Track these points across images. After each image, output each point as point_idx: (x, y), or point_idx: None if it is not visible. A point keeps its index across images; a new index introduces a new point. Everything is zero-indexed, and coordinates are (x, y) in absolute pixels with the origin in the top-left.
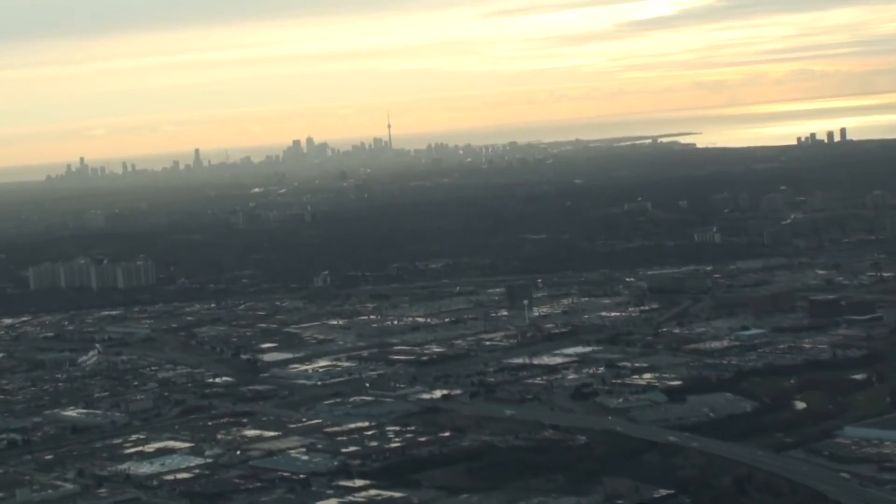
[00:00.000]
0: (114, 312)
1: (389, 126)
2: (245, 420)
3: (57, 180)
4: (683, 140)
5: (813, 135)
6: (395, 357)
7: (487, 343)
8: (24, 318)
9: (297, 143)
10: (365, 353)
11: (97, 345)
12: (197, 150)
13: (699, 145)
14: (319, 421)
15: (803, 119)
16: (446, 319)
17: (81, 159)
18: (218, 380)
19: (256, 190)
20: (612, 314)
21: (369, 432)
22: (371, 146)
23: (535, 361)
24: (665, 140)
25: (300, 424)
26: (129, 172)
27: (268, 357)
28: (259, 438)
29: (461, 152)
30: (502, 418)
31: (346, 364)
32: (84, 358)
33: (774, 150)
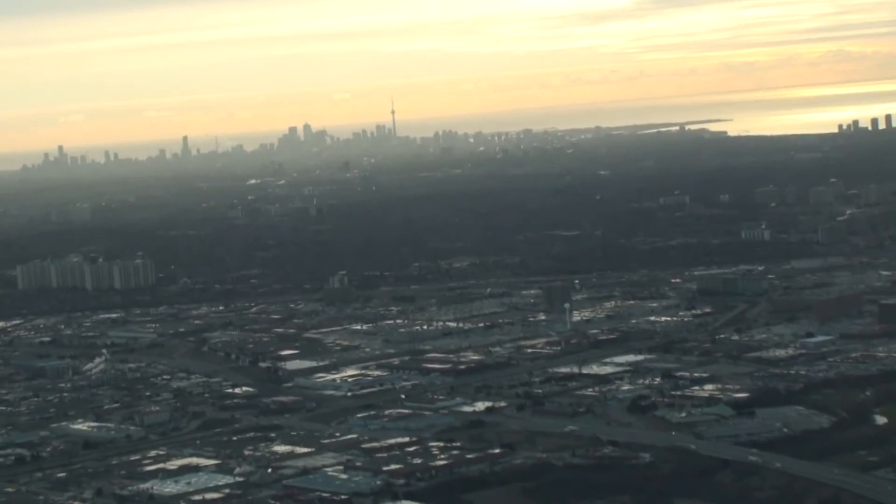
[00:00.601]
0: (113, 315)
1: (393, 112)
2: (273, 434)
3: (34, 170)
4: (713, 127)
5: (855, 122)
6: (430, 366)
7: (529, 350)
8: (16, 322)
9: (293, 130)
10: (396, 362)
11: (104, 351)
12: (185, 138)
13: (731, 133)
14: (354, 436)
15: (842, 104)
16: (480, 324)
17: (60, 147)
18: (238, 390)
19: (252, 181)
20: (662, 319)
21: (411, 448)
22: (373, 134)
23: (585, 371)
24: (693, 127)
25: (334, 440)
26: (112, 161)
27: (290, 365)
28: (291, 455)
29: (471, 140)
30: (556, 433)
31: (377, 373)
32: (90, 365)
33: (814, 138)
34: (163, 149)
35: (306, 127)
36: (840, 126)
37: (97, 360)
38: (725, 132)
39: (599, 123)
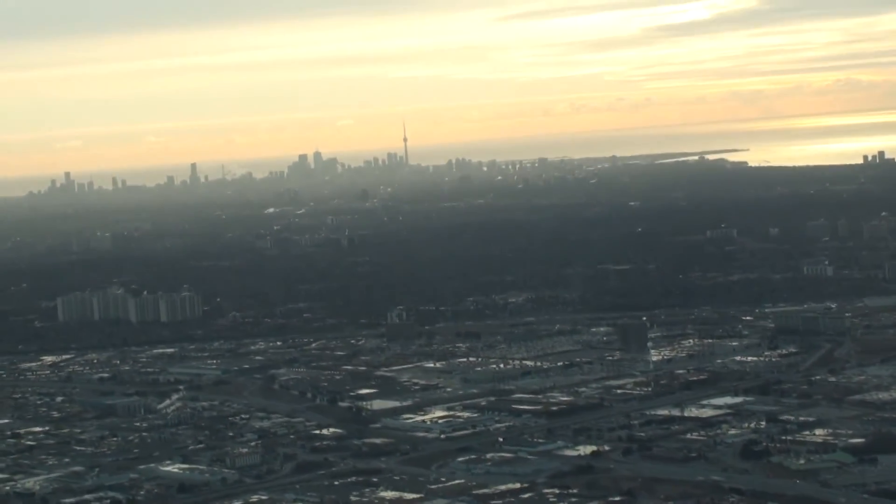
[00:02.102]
0: (167, 350)
1: (406, 140)
2: (375, 479)
3: (40, 196)
4: (730, 157)
5: (881, 153)
6: (519, 407)
7: (619, 391)
8: (67, 356)
9: (303, 157)
10: (482, 402)
11: (181, 388)
12: (193, 165)
13: (751, 163)
14: (461, 481)
15: (855, 134)
16: (558, 363)
17: (67, 174)
18: (325, 431)
19: (270, 210)
20: (748, 359)
21: (525, 495)
22: (385, 161)
23: (687, 414)
24: (711, 157)
25: (441, 485)
26: (120, 189)
27: (376, 405)
28: (399, 501)
29: (485, 169)
30: (672, 480)
31: (466, 414)
32: (166, 403)
33: (843, 169)
34: (171, 175)
35: (316, 154)
36: (865, 157)
37: (174, 397)
38: (745, 162)
39: (610, 152)
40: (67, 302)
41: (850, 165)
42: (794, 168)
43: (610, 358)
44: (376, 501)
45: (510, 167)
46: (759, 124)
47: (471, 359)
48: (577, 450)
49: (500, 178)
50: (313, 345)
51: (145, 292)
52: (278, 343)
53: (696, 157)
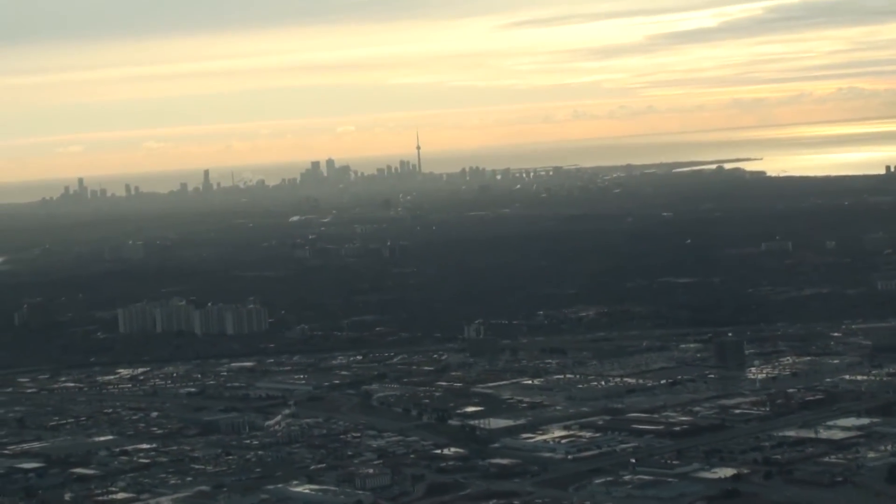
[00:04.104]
0: (246, 364)
1: (419, 148)
2: (516, 502)
3: (53, 203)
4: (744, 166)
5: None
6: (639, 427)
7: (736, 411)
8: (143, 369)
9: (315, 164)
10: (600, 422)
11: (292, 404)
12: (206, 172)
13: (769, 173)
14: None
15: (861, 144)
16: (661, 381)
17: (80, 180)
18: (446, 451)
19: (295, 218)
20: (858, 377)
21: None
22: (398, 169)
23: (820, 436)
24: (728, 166)
25: None
26: (134, 195)
27: (493, 424)
28: None
29: (499, 177)
30: None
31: (588, 434)
32: (276, 419)
33: (868, 180)
34: (184, 182)
35: (329, 162)
36: (888, 167)
37: (286, 412)
38: (764, 172)
39: (612, 159)
40: (128, 313)
41: (875, 176)
42: (814, 178)
43: (711, 376)
44: None
45: (525, 175)
46: (761, 132)
47: (568, 376)
48: (715, 472)
49: (518, 186)
50: (395, 359)
51: (209, 304)
52: (358, 357)
53: (713, 166)
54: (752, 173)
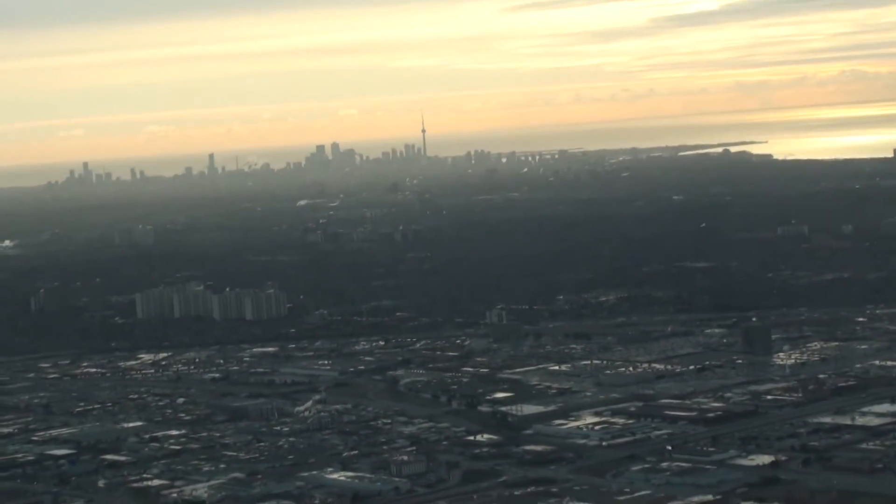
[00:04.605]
0: (268, 349)
1: (424, 131)
2: (554, 489)
3: (58, 187)
4: (748, 149)
5: None
6: (672, 413)
7: (768, 397)
8: (164, 354)
9: (320, 148)
10: (631, 408)
11: (322, 389)
12: (211, 156)
13: (776, 156)
14: (647, 492)
15: (866, 126)
16: (690, 367)
17: (85, 164)
18: (479, 438)
19: (303, 202)
20: (888, 363)
21: None
22: (402, 153)
23: (856, 422)
24: (733, 149)
25: (629, 496)
26: (139, 179)
27: (525, 410)
28: None
29: (504, 161)
30: (868, 493)
31: (621, 420)
32: (307, 406)
33: (877, 163)
34: (189, 166)
35: (334, 145)
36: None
37: (317, 397)
38: (770, 155)
39: (615, 143)
40: (146, 298)
41: (883, 159)
42: (822, 162)
43: (739, 361)
44: None
45: (531, 159)
46: (764, 115)
47: (594, 361)
48: (752, 459)
49: (525, 170)
50: (418, 345)
51: (228, 289)
52: (381, 343)
53: (719, 150)
54: (759, 157)
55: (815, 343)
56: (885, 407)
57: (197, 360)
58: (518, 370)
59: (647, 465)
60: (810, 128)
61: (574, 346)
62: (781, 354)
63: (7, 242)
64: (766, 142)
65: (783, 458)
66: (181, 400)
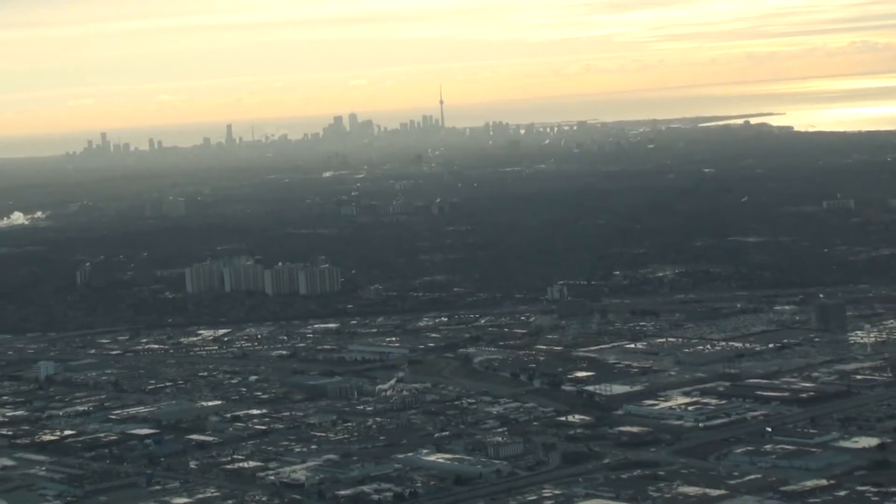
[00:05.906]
0: (330, 325)
1: (442, 102)
2: (661, 472)
3: (77, 157)
4: (767, 121)
5: None
6: (764, 393)
7: (858, 377)
8: (224, 330)
9: (338, 119)
10: (720, 388)
11: (405, 366)
12: (229, 126)
13: (796, 128)
14: (758, 476)
15: (881, 98)
16: (769, 345)
17: (103, 135)
18: (572, 418)
19: (328, 174)
20: None
21: (840, 492)
22: (420, 124)
23: None
24: (753, 121)
25: (739, 480)
26: (157, 150)
27: (615, 391)
28: (705, 497)
29: (523, 132)
30: None
31: (714, 401)
32: (389, 384)
33: None
34: (207, 137)
35: (352, 116)
36: None
37: (397, 376)
38: (791, 127)
39: (624, 115)
40: (195, 272)
41: None
42: (847, 133)
43: (817, 339)
44: (681, 498)
45: (550, 130)
46: (775, 86)
47: (669, 339)
48: (856, 442)
49: (547, 141)
50: (482, 321)
51: (279, 263)
52: (444, 319)
53: (739, 121)
54: (780, 128)
55: (891, 320)
56: None
57: (258, 336)
58: (593, 348)
59: (750, 448)
60: (823, 99)
61: (642, 323)
62: (860, 332)
63: (39, 214)
64: (784, 113)
65: (888, 440)
66: (253, 378)
